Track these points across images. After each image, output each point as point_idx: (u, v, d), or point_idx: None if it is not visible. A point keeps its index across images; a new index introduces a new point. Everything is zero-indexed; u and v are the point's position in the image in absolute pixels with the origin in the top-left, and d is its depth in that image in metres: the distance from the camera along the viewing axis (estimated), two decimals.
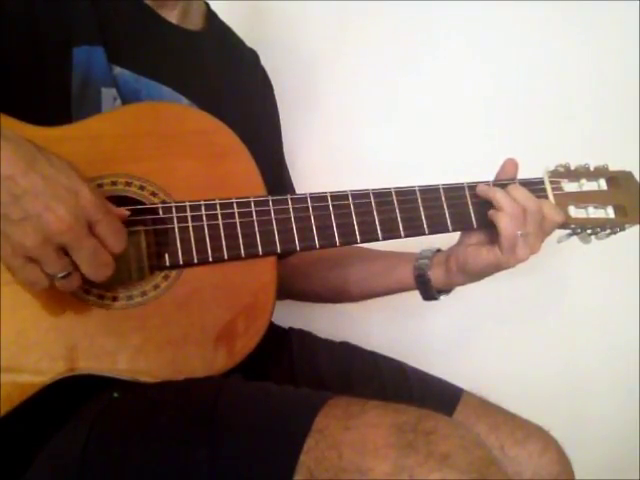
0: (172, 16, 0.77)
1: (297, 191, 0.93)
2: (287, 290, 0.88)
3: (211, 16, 0.85)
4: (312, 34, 1.15)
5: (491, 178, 0.76)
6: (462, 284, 0.77)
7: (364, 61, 1.15)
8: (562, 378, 1.19)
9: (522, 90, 1.14)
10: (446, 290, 0.80)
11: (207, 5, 0.85)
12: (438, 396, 0.80)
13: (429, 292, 0.79)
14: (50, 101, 0.66)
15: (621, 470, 1.20)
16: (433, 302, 0.80)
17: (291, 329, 0.89)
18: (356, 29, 1.15)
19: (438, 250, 0.80)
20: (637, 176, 0.80)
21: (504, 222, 0.69)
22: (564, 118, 1.12)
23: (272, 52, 0.97)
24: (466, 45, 1.14)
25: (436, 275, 0.78)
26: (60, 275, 0.53)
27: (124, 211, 0.59)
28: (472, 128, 1.14)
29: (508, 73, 1.14)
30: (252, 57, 0.93)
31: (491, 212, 0.71)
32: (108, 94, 0.69)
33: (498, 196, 0.71)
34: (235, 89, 0.84)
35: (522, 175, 0.76)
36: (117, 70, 0.70)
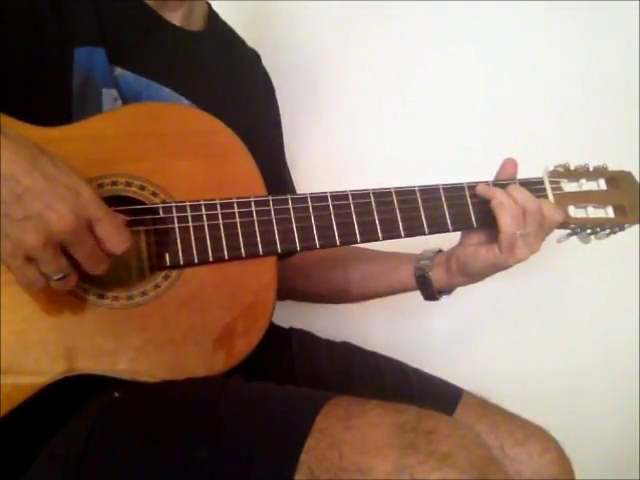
0: (174, 17, 0.77)
1: (298, 191, 0.93)
2: (288, 290, 0.88)
3: (212, 16, 0.85)
4: (314, 35, 1.15)
5: (491, 178, 0.76)
6: (463, 284, 0.77)
7: (365, 62, 1.15)
8: (562, 378, 1.19)
9: (522, 90, 1.14)
10: (447, 290, 0.80)
11: (209, 5, 0.85)
12: (438, 396, 0.80)
13: (430, 292, 0.79)
14: (51, 101, 0.66)
15: (621, 470, 1.20)
16: (434, 302, 0.80)
17: (292, 329, 0.89)
18: (357, 30, 1.15)
19: (439, 251, 0.80)
20: (637, 176, 0.80)
21: (505, 218, 0.69)
22: (564, 118, 1.13)
23: (274, 53, 0.97)
24: (467, 46, 1.14)
25: (437, 275, 0.78)
26: (56, 277, 0.53)
27: (122, 216, 0.58)
28: (472, 128, 1.14)
29: (508, 73, 1.14)
30: (253, 57, 0.93)
31: (494, 203, 0.70)
32: (109, 95, 0.69)
33: (498, 196, 0.71)
34: (236, 89, 0.84)
35: (522, 175, 0.76)
36: (118, 71, 0.70)
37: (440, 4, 1.12)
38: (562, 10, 1.10)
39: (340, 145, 1.17)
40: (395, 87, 1.15)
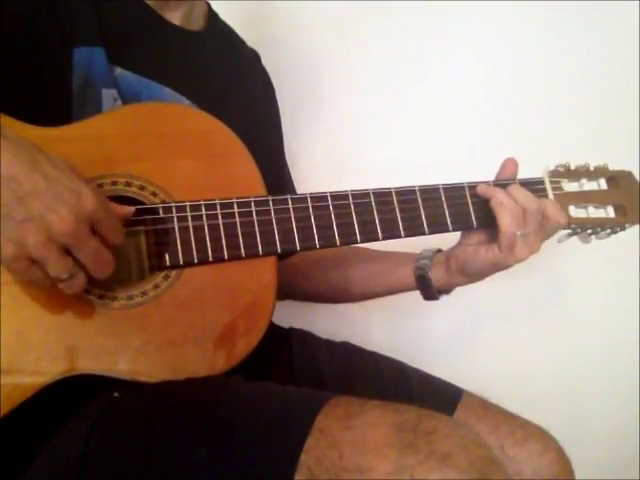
0: (175, 17, 0.77)
1: (298, 191, 0.93)
2: (288, 290, 0.88)
3: (212, 16, 0.85)
4: (314, 35, 1.15)
5: (491, 178, 0.76)
6: (463, 284, 0.77)
7: (365, 62, 1.15)
8: (562, 378, 1.19)
9: (522, 90, 1.14)
10: (446, 290, 0.80)
11: (209, 5, 0.85)
12: (438, 396, 0.80)
13: (430, 292, 0.79)
14: (50, 102, 0.66)
15: (621, 470, 1.20)
16: (433, 302, 0.80)
17: (292, 329, 0.89)
18: (357, 30, 1.15)
19: (439, 250, 0.80)
20: (637, 176, 0.80)
21: (505, 218, 0.69)
22: (564, 118, 1.13)
23: (274, 52, 0.98)
24: (467, 46, 1.14)
25: (437, 275, 0.78)
26: (64, 277, 0.53)
27: (129, 209, 0.59)
28: (472, 128, 1.14)
29: (508, 73, 1.14)
30: (253, 57, 0.93)
31: (493, 202, 0.70)
32: (109, 95, 0.69)
33: (498, 196, 0.71)
34: (236, 89, 0.84)
35: (522, 175, 0.76)
36: (118, 71, 0.70)
37: (440, 4, 1.12)
38: (562, 10, 1.10)
39: (340, 145, 1.17)
40: (395, 87, 1.15)
